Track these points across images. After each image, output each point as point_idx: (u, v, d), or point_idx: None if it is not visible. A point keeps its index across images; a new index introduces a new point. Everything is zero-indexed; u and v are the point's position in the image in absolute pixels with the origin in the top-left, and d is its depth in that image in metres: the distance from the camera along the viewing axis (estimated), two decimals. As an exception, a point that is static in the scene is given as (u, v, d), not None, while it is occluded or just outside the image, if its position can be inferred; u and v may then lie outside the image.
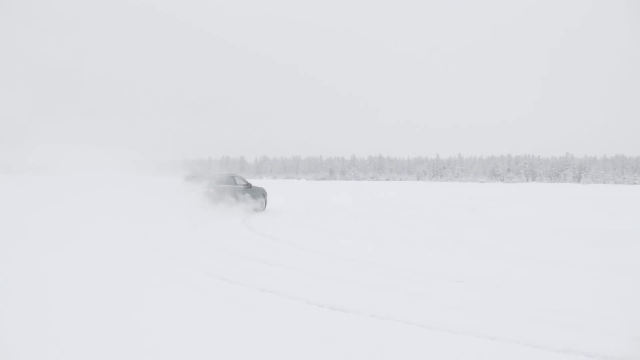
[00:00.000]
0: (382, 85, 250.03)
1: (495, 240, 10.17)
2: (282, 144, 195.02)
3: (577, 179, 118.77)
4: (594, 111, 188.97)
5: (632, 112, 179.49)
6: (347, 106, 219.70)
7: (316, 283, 6.07)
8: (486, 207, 20.22)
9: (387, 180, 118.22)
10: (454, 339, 4.07)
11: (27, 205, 14.59)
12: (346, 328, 4.30)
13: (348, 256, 8.06)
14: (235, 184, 17.08)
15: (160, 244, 8.91)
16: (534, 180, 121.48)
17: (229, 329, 4.18)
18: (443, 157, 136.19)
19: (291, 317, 4.61)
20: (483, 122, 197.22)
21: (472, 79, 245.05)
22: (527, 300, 5.36)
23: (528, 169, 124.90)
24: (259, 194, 17.92)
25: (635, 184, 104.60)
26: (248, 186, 17.62)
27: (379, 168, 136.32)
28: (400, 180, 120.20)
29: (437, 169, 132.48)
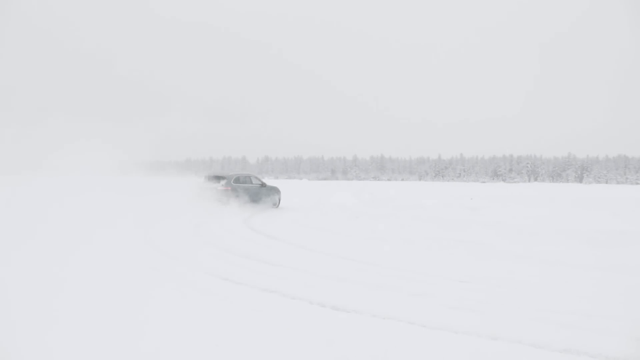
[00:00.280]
0: (383, 85, 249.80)
1: (498, 240, 10.16)
2: (284, 144, 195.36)
3: (579, 179, 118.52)
4: (596, 111, 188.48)
5: (634, 112, 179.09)
6: (348, 105, 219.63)
7: (318, 283, 6.07)
8: (488, 207, 20.19)
9: (388, 180, 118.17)
10: (456, 339, 4.07)
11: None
12: (348, 328, 4.31)
13: (350, 256, 8.07)
14: (251, 183, 18.42)
15: (161, 243, 8.93)
16: (535, 180, 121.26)
17: (231, 329, 4.19)
18: (445, 157, 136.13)
19: (293, 317, 4.62)
20: (484, 118, 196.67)
21: (473, 76, 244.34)
22: (529, 301, 5.36)
23: (530, 169, 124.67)
24: (273, 192, 19.22)
25: (637, 184, 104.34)
26: (263, 185, 18.89)
27: (381, 168, 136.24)
28: (402, 180, 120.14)
29: (439, 169, 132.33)
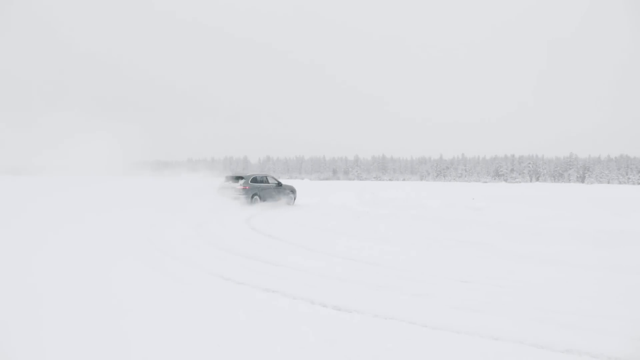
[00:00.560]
0: (384, 84, 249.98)
1: (499, 240, 10.15)
2: (285, 144, 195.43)
3: (581, 179, 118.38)
4: (598, 111, 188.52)
5: (636, 111, 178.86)
6: (350, 105, 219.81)
7: (320, 283, 6.07)
8: (490, 207, 20.16)
9: (390, 180, 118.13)
10: (458, 340, 4.07)
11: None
12: (350, 328, 4.31)
13: (351, 256, 8.06)
14: (268, 182, 20.12)
15: (162, 241, 8.94)
16: (537, 180, 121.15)
17: (233, 329, 4.19)
18: (446, 157, 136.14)
19: (295, 317, 4.62)
20: (486, 117, 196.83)
21: (474, 76, 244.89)
22: (531, 301, 5.36)
23: (532, 169, 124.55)
24: (288, 191, 21.04)
25: (639, 184, 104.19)
26: (279, 184, 20.60)
27: (382, 168, 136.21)
28: (404, 180, 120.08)
29: (441, 169, 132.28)
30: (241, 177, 19.25)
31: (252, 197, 18.72)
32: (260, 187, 19.36)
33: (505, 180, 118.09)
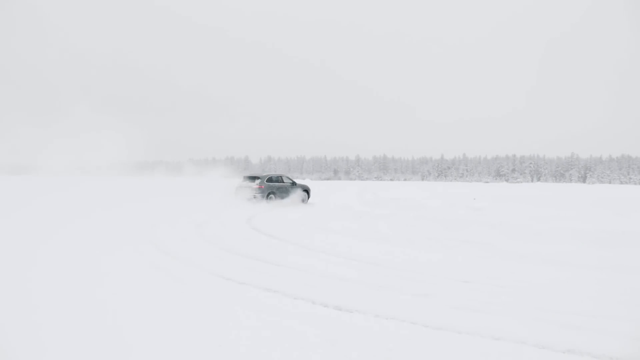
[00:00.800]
0: (386, 84, 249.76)
1: (501, 240, 10.14)
2: (287, 144, 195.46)
3: (583, 179, 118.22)
4: (600, 110, 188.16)
5: (638, 112, 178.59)
6: (351, 105, 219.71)
7: (321, 283, 6.08)
8: (491, 207, 20.14)
9: (391, 180, 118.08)
10: (459, 340, 4.07)
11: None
12: (351, 328, 4.31)
13: (352, 256, 8.06)
14: (283, 182, 21.51)
15: (165, 242, 8.95)
16: (538, 180, 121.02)
17: (234, 329, 4.19)
18: (447, 157, 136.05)
19: (296, 317, 4.62)
20: (487, 117, 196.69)
21: (475, 75, 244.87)
22: (532, 301, 5.35)
23: (533, 169, 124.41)
24: (301, 190, 22.14)
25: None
26: (293, 184, 21.93)
27: (384, 168, 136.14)
28: (405, 180, 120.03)
29: (442, 169, 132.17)
30: (257, 177, 20.67)
31: (268, 195, 20.22)
32: (275, 186, 20.78)
33: (507, 180, 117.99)
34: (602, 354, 3.80)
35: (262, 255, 8.07)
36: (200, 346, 3.78)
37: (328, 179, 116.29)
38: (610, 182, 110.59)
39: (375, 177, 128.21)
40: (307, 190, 22.53)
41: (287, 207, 19.25)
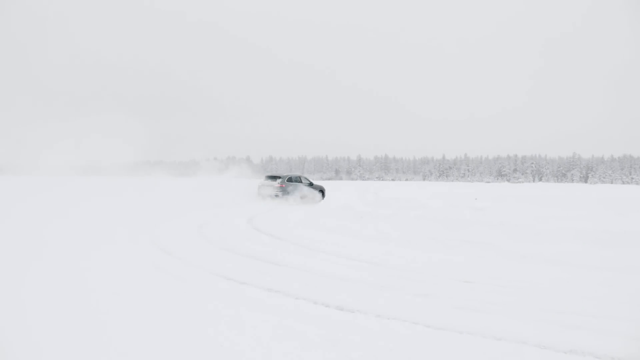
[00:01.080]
0: (387, 84, 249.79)
1: (502, 240, 10.12)
2: (288, 144, 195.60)
3: (584, 179, 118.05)
4: (602, 110, 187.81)
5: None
6: (353, 105, 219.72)
7: (322, 283, 6.07)
8: (492, 207, 20.12)
9: (393, 180, 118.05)
10: (461, 340, 4.06)
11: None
12: (352, 328, 4.31)
13: (354, 256, 8.06)
14: (301, 182, 22.83)
15: (164, 243, 8.96)
16: (540, 180, 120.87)
17: (235, 329, 4.19)
18: (449, 157, 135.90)
19: (297, 317, 4.62)
20: (489, 117, 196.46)
21: (477, 75, 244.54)
22: (534, 301, 5.35)
23: (534, 169, 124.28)
24: (317, 190, 23.50)
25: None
26: (310, 184, 23.34)
27: (385, 168, 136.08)
28: (406, 180, 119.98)
29: (443, 169, 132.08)
30: (278, 177, 22.25)
31: (287, 193, 21.60)
32: (294, 185, 22.19)
33: (508, 180, 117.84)
34: (604, 354, 3.79)
35: (263, 255, 8.07)
36: (202, 346, 3.78)
37: (329, 179, 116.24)
38: (612, 182, 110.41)
39: (377, 177, 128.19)
40: (322, 191, 23.87)
41: (288, 207, 19.27)
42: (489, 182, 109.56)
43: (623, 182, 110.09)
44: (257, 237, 10.29)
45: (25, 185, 29.26)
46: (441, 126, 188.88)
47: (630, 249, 9.20)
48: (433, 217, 15.45)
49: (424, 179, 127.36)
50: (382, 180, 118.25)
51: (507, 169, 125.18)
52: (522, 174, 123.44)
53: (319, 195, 23.38)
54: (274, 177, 22.38)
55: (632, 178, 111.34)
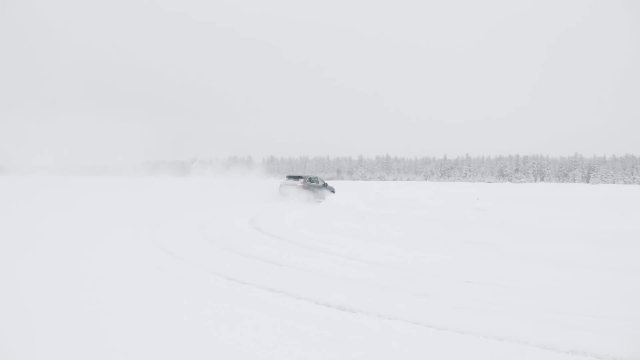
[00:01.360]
0: (389, 84, 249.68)
1: (504, 240, 10.10)
2: (290, 144, 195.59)
3: (586, 179, 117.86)
4: (604, 110, 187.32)
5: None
6: (354, 105, 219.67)
7: (324, 283, 6.08)
8: (494, 207, 20.08)
9: (394, 180, 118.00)
10: (462, 340, 4.06)
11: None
12: (354, 328, 4.31)
13: (355, 256, 8.06)
14: (317, 182, 24.54)
15: (165, 243, 8.97)
16: (542, 180, 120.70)
17: (237, 329, 4.20)
18: (450, 157, 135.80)
19: (299, 317, 4.62)
20: (491, 117, 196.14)
21: (479, 75, 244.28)
22: (535, 301, 5.34)
23: (536, 169, 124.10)
24: (330, 190, 24.94)
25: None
26: (325, 185, 25.05)
27: (387, 168, 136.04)
28: (408, 180, 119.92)
29: (445, 169, 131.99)
30: (301, 177, 23.90)
31: (307, 193, 23.04)
32: (313, 185, 23.82)
33: (510, 180, 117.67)
34: (606, 355, 3.79)
35: (265, 255, 8.08)
36: (203, 346, 3.78)
37: (331, 179, 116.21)
38: (614, 182, 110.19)
39: (378, 177, 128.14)
40: (333, 191, 24.73)
41: (290, 207, 19.29)
42: (490, 182, 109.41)
43: (625, 182, 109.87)
44: (259, 237, 10.30)
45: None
46: (443, 127, 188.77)
47: (632, 249, 9.17)
48: (435, 217, 15.43)
49: (425, 179, 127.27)
50: (384, 180, 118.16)
51: (508, 169, 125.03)
52: (524, 174, 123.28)
53: (330, 194, 24.07)
54: (296, 177, 23.92)
55: (634, 178, 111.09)
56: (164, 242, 9.21)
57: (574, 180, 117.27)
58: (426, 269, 7.08)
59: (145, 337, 3.94)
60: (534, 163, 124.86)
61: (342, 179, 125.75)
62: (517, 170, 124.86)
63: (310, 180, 24.01)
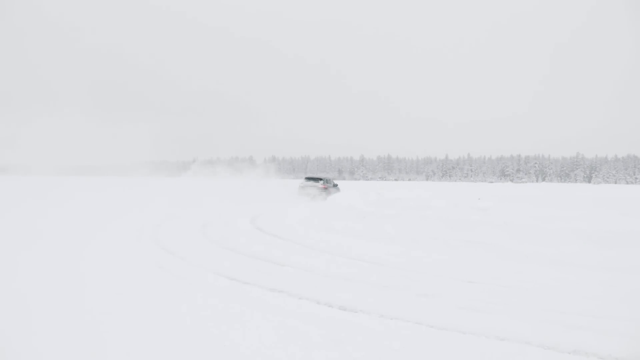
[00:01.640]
0: (390, 85, 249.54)
1: (506, 240, 10.09)
2: (291, 144, 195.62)
3: (588, 179, 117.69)
4: (605, 110, 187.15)
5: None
6: (356, 105, 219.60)
7: (325, 283, 6.08)
8: (496, 207, 20.05)
9: (396, 180, 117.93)
10: (464, 340, 4.06)
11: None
12: (355, 328, 4.31)
13: (357, 256, 8.06)
14: (331, 183, 26.39)
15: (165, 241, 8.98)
16: (543, 180, 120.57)
17: (238, 328, 4.20)
18: (452, 157, 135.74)
19: (300, 317, 4.62)
20: (492, 117, 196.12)
21: (481, 76, 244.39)
22: (537, 301, 5.34)
23: (538, 169, 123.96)
24: (338, 190, 26.49)
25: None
26: (335, 185, 26.92)
27: (388, 168, 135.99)
28: (409, 180, 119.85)
29: (446, 169, 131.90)
30: (320, 179, 25.53)
31: (326, 193, 24.14)
32: (329, 186, 25.39)
33: (512, 181, 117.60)
34: (607, 355, 3.78)
35: (266, 255, 8.08)
36: (205, 345, 3.79)
37: (333, 179, 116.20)
38: (616, 182, 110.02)
39: (380, 177, 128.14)
40: (340, 191, 26.13)
41: (291, 207, 19.29)
42: (492, 182, 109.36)
43: (627, 182, 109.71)
44: (260, 237, 10.30)
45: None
46: (444, 127, 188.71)
47: (633, 249, 9.16)
48: (436, 217, 15.41)
49: (427, 179, 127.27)
50: (385, 180, 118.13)
51: (510, 169, 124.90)
52: (526, 174, 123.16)
53: (339, 193, 25.55)
54: (315, 179, 25.69)
55: (636, 178, 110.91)
56: (165, 241, 9.22)
57: (576, 181, 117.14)
58: (427, 269, 7.07)
59: (147, 337, 3.94)
60: (535, 163, 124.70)
61: (344, 179, 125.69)
62: (518, 170, 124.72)
63: (328, 181, 25.87)
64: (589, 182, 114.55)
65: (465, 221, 14.16)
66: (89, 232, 10.30)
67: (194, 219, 13.68)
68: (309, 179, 26.01)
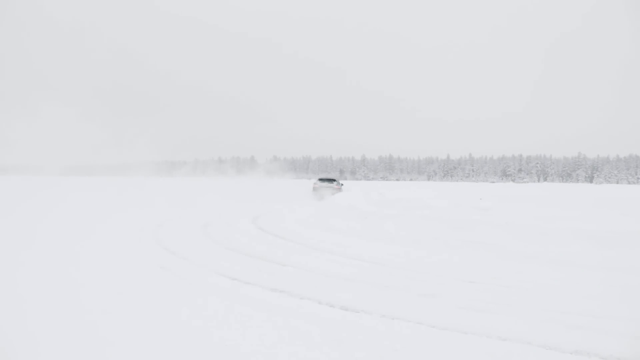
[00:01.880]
0: (391, 85, 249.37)
1: (507, 240, 10.10)
2: (292, 144, 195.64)
3: (590, 179, 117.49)
4: (607, 110, 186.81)
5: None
6: (357, 105, 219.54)
7: (327, 283, 6.08)
8: (497, 207, 20.04)
9: (397, 180, 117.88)
10: (465, 340, 4.06)
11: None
12: (357, 328, 4.31)
13: (358, 256, 8.06)
14: (339, 183, 28.45)
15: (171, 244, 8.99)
16: (545, 180, 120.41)
17: (240, 328, 4.21)
18: (454, 157, 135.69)
19: (302, 317, 4.63)
20: (493, 117, 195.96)
21: (482, 75, 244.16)
22: (538, 301, 5.33)
23: (539, 169, 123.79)
24: (344, 189, 28.11)
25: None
26: (341, 184, 28.63)
27: (389, 168, 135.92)
28: (411, 180, 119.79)
29: (448, 169, 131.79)
30: (333, 180, 28.16)
31: (338, 193, 24.95)
32: (341, 186, 27.61)
33: (513, 180, 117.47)
34: (609, 355, 3.78)
35: (268, 255, 8.09)
36: (206, 345, 3.79)
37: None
38: (617, 182, 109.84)
39: (381, 177, 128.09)
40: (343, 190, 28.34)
41: (292, 207, 19.30)
42: (493, 182, 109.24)
43: (629, 182, 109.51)
44: (262, 237, 10.31)
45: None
46: (446, 126, 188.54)
47: (635, 250, 9.15)
48: (437, 217, 15.41)
49: (428, 179, 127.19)
50: (387, 180, 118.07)
51: (511, 169, 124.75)
52: (527, 174, 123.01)
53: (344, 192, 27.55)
54: (329, 180, 28.07)
55: (638, 178, 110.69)
56: (168, 241, 9.23)
57: (578, 181, 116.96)
58: (429, 269, 7.07)
59: (148, 337, 3.95)
60: (537, 163, 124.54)
61: (345, 178, 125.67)
62: (520, 170, 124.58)
63: (338, 182, 28.22)
64: (591, 182, 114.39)
65: (466, 221, 14.15)
66: (90, 232, 10.32)
67: (195, 219, 13.70)
68: (322, 180, 28.21)
